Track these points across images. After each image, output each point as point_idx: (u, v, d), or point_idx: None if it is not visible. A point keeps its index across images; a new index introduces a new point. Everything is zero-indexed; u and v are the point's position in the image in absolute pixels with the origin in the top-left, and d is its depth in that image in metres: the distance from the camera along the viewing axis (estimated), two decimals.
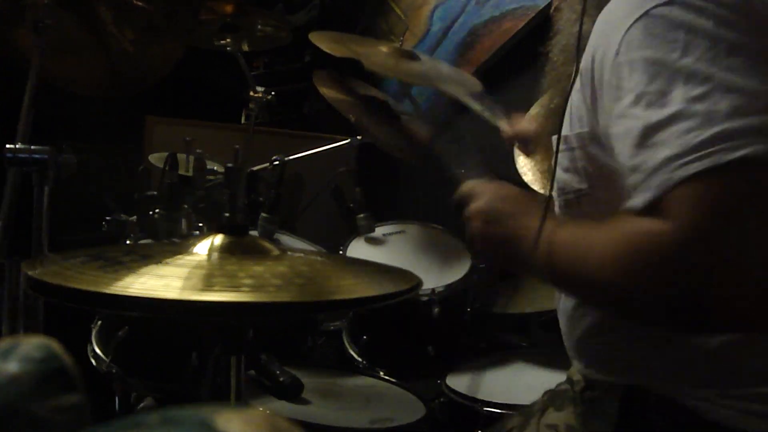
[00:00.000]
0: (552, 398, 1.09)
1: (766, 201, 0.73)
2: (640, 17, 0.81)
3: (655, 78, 0.78)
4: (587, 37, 0.90)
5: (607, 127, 0.84)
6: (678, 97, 0.76)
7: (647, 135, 0.77)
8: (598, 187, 0.92)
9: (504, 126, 1.81)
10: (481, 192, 1.00)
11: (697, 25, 0.78)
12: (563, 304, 1.03)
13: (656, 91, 0.77)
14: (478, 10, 2.68)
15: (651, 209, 0.76)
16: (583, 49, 0.91)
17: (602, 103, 0.85)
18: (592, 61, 0.87)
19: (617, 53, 0.82)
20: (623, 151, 0.80)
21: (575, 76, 0.90)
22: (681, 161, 0.74)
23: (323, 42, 1.97)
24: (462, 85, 2.14)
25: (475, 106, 1.89)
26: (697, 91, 0.75)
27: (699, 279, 0.72)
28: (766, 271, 0.72)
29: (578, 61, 0.91)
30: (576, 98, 0.92)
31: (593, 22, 0.91)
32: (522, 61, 2.49)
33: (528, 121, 1.80)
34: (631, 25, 0.81)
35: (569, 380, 1.06)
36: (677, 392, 0.90)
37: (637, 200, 0.77)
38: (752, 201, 0.73)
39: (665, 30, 0.79)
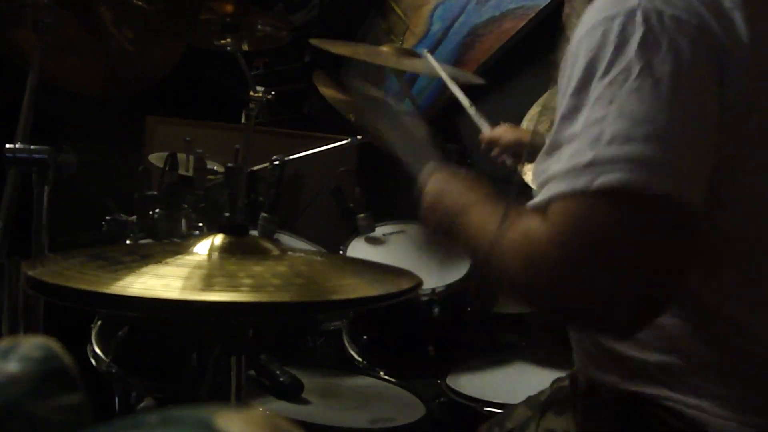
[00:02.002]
0: (552, 399, 1.09)
1: (622, 225, 0.78)
2: (590, 30, 0.84)
3: (577, 94, 0.83)
4: None
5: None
6: (582, 118, 0.82)
7: (553, 146, 0.84)
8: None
9: (486, 129, 1.83)
10: (431, 175, 1.09)
11: (624, 43, 0.81)
12: None
13: (572, 109, 0.83)
14: (478, 10, 2.68)
15: (542, 210, 0.84)
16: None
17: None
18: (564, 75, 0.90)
19: (565, 62, 0.87)
20: (540, 157, 0.88)
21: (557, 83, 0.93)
22: (563, 178, 0.81)
23: (323, 44, 1.97)
24: (463, 78, 2.15)
25: (466, 102, 1.90)
26: (598, 114, 0.80)
27: (559, 277, 0.80)
28: (606, 286, 0.78)
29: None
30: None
31: None
32: (522, 61, 2.49)
33: (509, 130, 1.82)
34: (582, 37, 0.85)
35: (572, 378, 1.06)
36: (679, 403, 0.89)
37: (535, 200, 0.86)
38: (608, 223, 0.78)
39: (599, 46, 0.82)
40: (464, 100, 1.91)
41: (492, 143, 1.83)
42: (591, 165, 0.78)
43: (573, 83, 0.84)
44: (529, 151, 1.66)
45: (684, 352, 0.89)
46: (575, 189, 0.79)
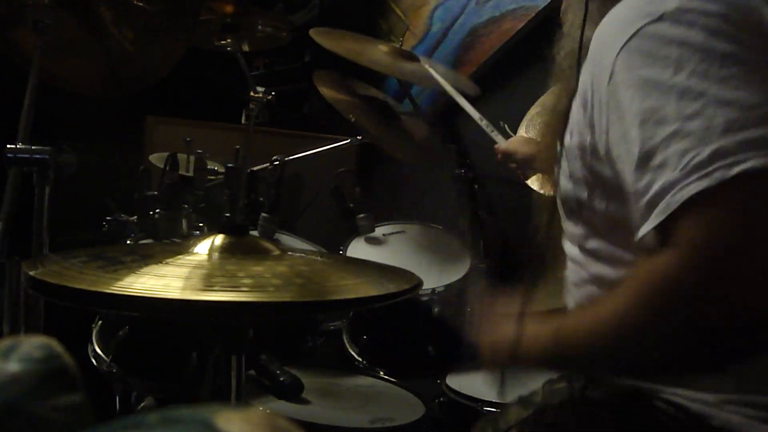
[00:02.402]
0: (551, 396, 1.09)
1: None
2: (632, 36, 0.80)
3: (650, 97, 0.77)
4: (588, 45, 0.91)
5: (605, 145, 0.85)
6: (672, 116, 0.75)
7: (646, 158, 0.76)
8: (597, 197, 0.92)
9: (500, 140, 1.83)
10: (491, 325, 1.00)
11: (687, 40, 0.78)
12: (571, 301, 1.03)
13: (651, 111, 0.77)
14: (477, 11, 2.68)
15: (658, 238, 0.74)
16: (585, 58, 0.91)
17: (601, 123, 0.85)
18: (591, 82, 0.87)
19: (612, 75, 0.82)
20: (627, 173, 0.79)
21: (576, 84, 0.91)
22: (681, 184, 0.72)
23: (323, 39, 1.97)
24: (459, 88, 2.14)
25: (474, 113, 1.91)
26: (691, 108, 0.74)
27: (717, 306, 0.70)
28: None
29: (578, 71, 0.91)
30: (575, 111, 0.92)
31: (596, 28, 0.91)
32: (522, 62, 2.49)
33: (524, 143, 1.82)
34: (623, 46, 0.81)
35: (569, 379, 1.06)
36: (681, 396, 0.89)
37: (643, 229, 0.76)
38: (759, 215, 0.71)
39: (657, 48, 0.79)
40: (474, 114, 1.91)
41: (507, 156, 1.83)
42: (712, 160, 0.71)
43: (632, 87, 0.79)
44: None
45: None
46: (702, 190, 0.71)
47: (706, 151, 0.72)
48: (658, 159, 0.74)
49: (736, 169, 0.70)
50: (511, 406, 1.16)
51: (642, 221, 0.76)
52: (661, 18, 0.79)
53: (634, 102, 0.78)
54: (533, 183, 1.84)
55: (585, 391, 1.00)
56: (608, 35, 0.85)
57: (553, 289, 1.12)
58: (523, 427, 1.08)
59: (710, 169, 0.71)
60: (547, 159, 1.15)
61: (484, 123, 1.88)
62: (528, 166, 1.80)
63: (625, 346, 0.79)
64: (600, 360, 0.84)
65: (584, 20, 0.93)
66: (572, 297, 1.03)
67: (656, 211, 0.74)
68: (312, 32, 2.00)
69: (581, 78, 0.91)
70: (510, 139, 1.87)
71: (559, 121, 0.99)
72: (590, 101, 0.87)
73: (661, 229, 0.74)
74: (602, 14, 0.90)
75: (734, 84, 0.75)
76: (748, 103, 0.74)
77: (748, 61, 0.77)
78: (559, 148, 0.95)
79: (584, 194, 0.93)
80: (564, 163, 0.95)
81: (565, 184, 0.97)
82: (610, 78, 0.82)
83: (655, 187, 0.74)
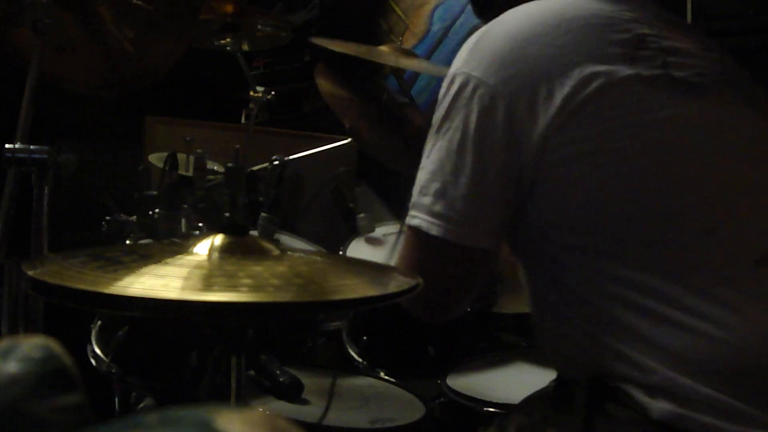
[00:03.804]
0: (541, 397, 1.11)
1: (420, 254, 1.07)
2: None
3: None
4: None
5: None
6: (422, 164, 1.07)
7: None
8: None
9: None
10: None
11: (442, 102, 1.04)
12: (530, 308, 1.09)
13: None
14: None
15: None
16: None
17: None
18: None
19: None
20: None
21: None
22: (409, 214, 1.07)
23: (324, 42, 1.97)
24: None
25: None
26: (421, 162, 1.06)
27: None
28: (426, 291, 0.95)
29: None
30: None
31: None
32: None
33: None
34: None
35: (555, 380, 1.08)
36: (627, 383, 0.93)
37: None
38: (416, 251, 1.08)
39: (439, 99, 1.06)
40: None
41: None
42: (410, 208, 1.06)
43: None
44: None
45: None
46: (406, 223, 1.08)
47: (412, 200, 1.06)
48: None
49: (411, 222, 1.06)
50: (515, 412, 1.17)
51: None
52: (448, 76, 1.07)
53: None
54: None
55: (558, 390, 1.03)
56: None
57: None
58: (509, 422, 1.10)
59: (411, 213, 1.06)
60: None
61: None
62: None
63: None
64: None
65: None
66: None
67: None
68: (314, 40, 2.00)
69: None
70: None
71: None
72: None
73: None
74: None
75: (441, 155, 1.03)
76: (432, 172, 1.03)
77: (464, 140, 1.00)
78: None
79: None
80: None
81: None
82: None
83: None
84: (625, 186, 0.95)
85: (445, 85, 1.03)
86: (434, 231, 1.02)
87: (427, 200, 1.02)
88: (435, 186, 1.01)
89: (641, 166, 0.95)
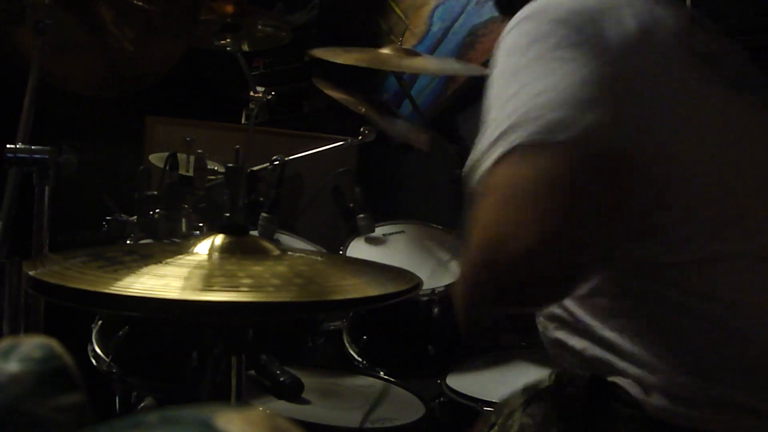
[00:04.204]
0: (535, 393, 1.11)
1: (535, 174, 0.82)
2: (505, 34, 0.93)
3: (494, 88, 0.90)
4: None
5: None
6: (491, 113, 0.88)
7: (477, 141, 0.89)
8: None
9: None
10: None
11: (513, 43, 0.91)
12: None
13: (488, 103, 0.89)
14: (478, 11, 2.68)
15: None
16: None
17: None
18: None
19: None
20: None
21: None
22: (486, 155, 0.85)
23: (323, 54, 1.98)
24: (470, 70, 2.14)
25: None
26: (504, 96, 0.87)
27: (496, 240, 0.82)
28: (547, 238, 0.80)
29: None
30: None
31: None
32: None
33: None
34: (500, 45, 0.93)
35: (550, 376, 1.09)
36: (626, 376, 0.93)
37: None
38: (523, 177, 0.82)
39: (501, 51, 0.92)
40: None
41: None
42: (502, 136, 0.84)
43: (493, 80, 0.92)
44: None
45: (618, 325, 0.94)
46: (496, 158, 0.83)
47: (498, 131, 0.84)
48: (480, 140, 0.87)
49: (507, 146, 0.82)
50: (504, 404, 1.17)
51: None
52: (523, 19, 0.91)
53: (489, 93, 0.91)
54: None
55: (560, 385, 1.03)
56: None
57: None
58: (508, 419, 1.10)
59: (497, 144, 0.84)
60: None
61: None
62: None
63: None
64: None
65: None
66: None
67: (476, 175, 0.87)
68: (314, 52, 2.00)
69: None
70: None
71: None
72: None
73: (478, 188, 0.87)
74: None
75: (535, 77, 0.86)
76: (542, 90, 0.85)
77: (558, 58, 0.87)
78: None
79: None
80: None
81: None
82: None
83: (475, 158, 0.87)
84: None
85: (524, 27, 0.90)
86: (565, 132, 0.80)
87: (533, 113, 0.83)
88: (540, 99, 0.83)
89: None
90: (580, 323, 0.98)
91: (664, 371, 0.90)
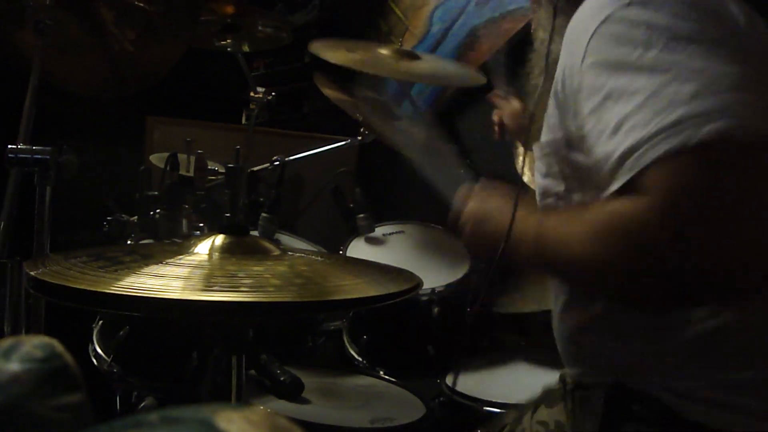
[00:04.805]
0: (544, 396, 1.10)
1: (735, 174, 0.76)
2: (603, 22, 0.84)
3: (621, 75, 0.81)
4: (558, 57, 0.95)
5: (579, 128, 0.87)
6: (644, 88, 0.79)
7: (618, 125, 0.80)
8: (574, 188, 0.96)
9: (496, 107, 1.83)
10: (470, 196, 1.06)
11: (654, 21, 0.82)
12: (553, 307, 1.05)
13: (623, 86, 0.81)
14: (477, 11, 2.68)
15: (627, 190, 0.79)
16: (554, 68, 0.94)
17: (572, 108, 0.88)
18: (563, 70, 0.91)
19: (583, 58, 0.85)
20: (597, 144, 0.83)
21: (541, 87, 0.93)
22: (651, 143, 0.77)
23: (322, 50, 1.98)
24: (465, 80, 2.14)
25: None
26: (661, 79, 0.79)
27: (675, 251, 0.75)
28: (739, 241, 0.75)
29: (547, 73, 0.96)
30: (550, 107, 0.96)
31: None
32: (521, 63, 2.49)
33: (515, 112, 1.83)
34: (594, 31, 0.85)
35: (562, 379, 1.07)
36: (656, 388, 0.92)
37: (614, 185, 0.80)
38: (721, 174, 0.75)
39: (626, 30, 0.83)
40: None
41: (497, 105, 1.84)
42: (680, 122, 0.76)
43: (604, 67, 0.83)
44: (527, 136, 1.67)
45: (663, 335, 0.91)
46: (670, 150, 0.75)
47: (674, 115, 0.76)
48: (629, 124, 0.79)
49: (702, 131, 0.75)
50: (511, 411, 1.17)
51: (612, 178, 0.80)
52: (629, 3, 0.84)
53: (606, 80, 0.82)
54: (532, 183, 1.85)
55: (575, 392, 1.02)
56: (580, 23, 0.89)
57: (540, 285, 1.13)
58: (516, 426, 1.09)
59: (678, 129, 0.75)
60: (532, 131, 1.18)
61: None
62: (511, 124, 1.81)
63: (583, 267, 0.85)
64: (565, 271, 0.93)
65: (552, 32, 0.96)
66: (554, 288, 1.06)
67: (627, 166, 0.78)
68: (312, 47, 2.00)
69: (556, 73, 0.94)
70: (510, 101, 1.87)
71: (533, 130, 1.03)
72: (562, 90, 0.91)
73: (630, 182, 0.78)
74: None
75: (700, 58, 0.79)
76: (714, 74, 0.78)
77: (710, 41, 0.81)
78: (534, 150, 0.99)
79: (561, 188, 0.97)
80: (538, 162, 0.99)
81: (541, 181, 1.01)
82: (582, 62, 0.85)
83: (624, 146, 0.78)
84: None
85: (633, 12, 0.83)
86: (757, 127, 0.75)
87: (719, 100, 0.76)
88: (719, 84, 0.77)
89: None
90: (622, 327, 0.95)
91: (703, 379, 0.89)
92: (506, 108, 1.83)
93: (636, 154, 0.77)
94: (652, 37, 0.81)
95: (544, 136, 0.98)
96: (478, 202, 1.05)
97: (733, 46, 0.82)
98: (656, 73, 0.79)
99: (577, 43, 0.87)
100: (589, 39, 0.85)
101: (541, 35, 1.09)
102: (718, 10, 0.85)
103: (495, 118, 1.85)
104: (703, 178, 0.75)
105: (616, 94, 0.81)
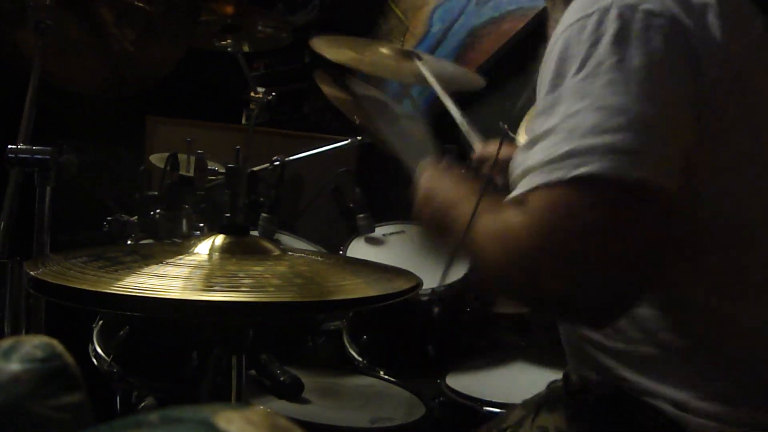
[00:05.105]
0: (546, 399, 1.10)
1: (595, 212, 0.80)
2: (566, 29, 0.86)
3: (552, 91, 0.85)
4: None
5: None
6: (559, 113, 0.83)
7: (532, 142, 0.86)
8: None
9: (477, 147, 1.82)
10: (424, 171, 1.10)
11: (598, 39, 0.83)
12: None
13: (549, 105, 0.85)
14: (477, 12, 2.68)
15: (520, 202, 0.85)
16: None
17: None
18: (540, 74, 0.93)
19: (544, 62, 0.89)
20: (518, 150, 0.89)
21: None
22: (541, 170, 0.83)
23: (324, 47, 1.98)
24: (465, 83, 2.14)
25: (458, 117, 1.90)
26: (574, 107, 0.82)
27: (534, 265, 0.82)
28: (583, 275, 0.80)
29: None
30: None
31: None
32: (521, 63, 2.49)
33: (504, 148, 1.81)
34: (560, 35, 0.87)
35: (565, 377, 1.07)
36: (658, 399, 0.91)
37: (513, 193, 0.87)
38: (585, 211, 0.80)
39: (573, 44, 0.85)
40: (456, 115, 1.90)
41: (482, 161, 1.82)
42: (568, 156, 0.80)
43: (548, 80, 0.86)
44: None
45: (663, 343, 0.91)
46: (551, 180, 0.81)
47: (565, 148, 0.81)
48: (537, 145, 0.85)
49: (579, 171, 0.80)
50: (514, 409, 1.16)
51: (513, 185, 0.88)
52: (590, 14, 0.85)
53: (544, 92, 0.86)
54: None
55: (578, 394, 1.02)
56: (558, 28, 0.90)
57: None
58: (522, 425, 1.09)
59: (562, 163, 0.81)
60: None
61: (465, 125, 1.87)
62: (502, 169, 1.78)
63: (482, 264, 0.94)
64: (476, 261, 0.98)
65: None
66: None
67: (524, 183, 0.85)
68: (313, 42, 2.00)
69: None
70: (486, 144, 1.86)
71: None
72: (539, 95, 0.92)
73: (522, 198, 0.86)
74: None
75: (613, 90, 0.81)
76: (617, 110, 0.80)
77: (641, 67, 0.81)
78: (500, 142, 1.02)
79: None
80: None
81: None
82: (543, 65, 0.89)
83: (526, 165, 0.85)
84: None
85: (590, 23, 0.84)
86: (630, 172, 0.78)
87: (607, 138, 0.79)
88: (616, 121, 0.79)
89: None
90: (626, 333, 0.95)
91: (708, 391, 0.88)
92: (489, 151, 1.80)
93: (531, 175, 0.84)
94: (587, 58, 0.83)
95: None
96: (428, 178, 1.09)
97: (671, 72, 0.83)
98: (573, 98, 0.82)
99: (551, 47, 0.89)
100: (554, 44, 0.87)
101: (552, 31, 1.08)
102: (683, 31, 0.84)
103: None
104: (571, 210, 0.81)
105: (544, 109, 0.86)
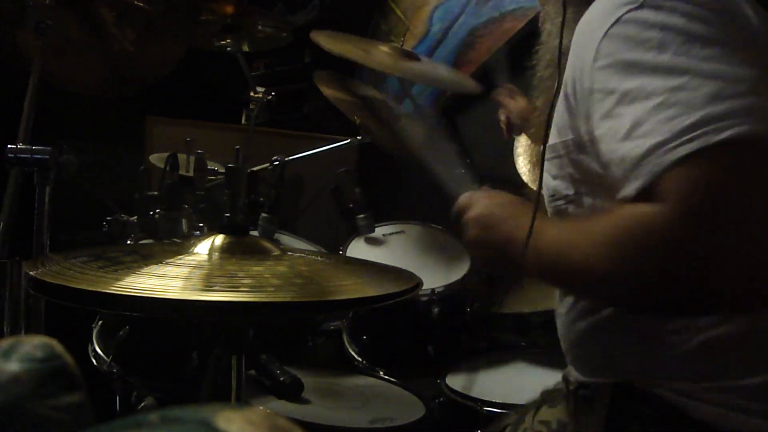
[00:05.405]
0: (547, 395, 1.10)
1: (756, 177, 0.74)
2: (614, 24, 0.83)
3: (636, 77, 0.80)
4: (568, 51, 0.92)
5: (590, 132, 0.86)
6: (659, 90, 0.78)
7: (633, 128, 0.78)
8: (584, 192, 0.94)
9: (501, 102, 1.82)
10: (476, 201, 1.03)
11: (668, 23, 0.80)
12: (559, 308, 1.05)
13: (637, 89, 0.79)
14: (477, 11, 2.68)
15: (643, 196, 0.77)
16: (565, 62, 0.93)
17: (583, 111, 0.87)
18: (573, 72, 0.89)
19: (594, 60, 0.84)
20: (610, 148, 0.81)
21: (558, 88, 0.92)
22: (668, 146, 0.75)
23: (323, 40, 1.97)
24: (460, 86, 2.14)
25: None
26: (677, 82, 0.77)
27: (696, 259, 0.73)
28: (760, 248, 0.73)
29: (560, 73, 0.93)
30: (560, 108, 0.94)
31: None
32: (521, 62, 2.49)
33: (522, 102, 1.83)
34: (605, 33, 0.83)
35: (565, 379, 1.07)
36: (663, 389, 0.91)
37: (628, 189, 0.78)
38: (743, 179, 0.74)
39: (638, 32, 0.82)
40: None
41: (502, 104, 1.83)
42: (699, 125, 0.74)
43: (616, 69, 0.82)
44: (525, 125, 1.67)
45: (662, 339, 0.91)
46: (689, 153, 0.74)
47: (692, 117, 0.75)
48: (644, 127, 0.77)
49: (722, 135, 0.73)
50: (514, 411, 1.17)
51: (626, 181, 0.79)
52: (641, 5, 0.82)
53: (619, 83, 0.81)
54: (532, 183, 1.85)
55: (578, 392, 1.02)
56: (590, 25, 0.87)
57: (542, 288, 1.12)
58: (518, 425, 1.09)
59: (698, 133, 0.74)
60: (537, 125, 1.17)
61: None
62: (518, 121, 1.80)
63: (591, 277, 0.83)
64: (566, 282, 0.91)
65: (562, 25, 0.95)
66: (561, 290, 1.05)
67: (643, 171, 0.76)
68: (313, 34, 2.00)
69: (565, 75, 0.92)
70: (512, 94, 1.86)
71: (540, 126, 1.01)
72: (573, 92, 0.89)
73: (645, 187, 0.77)
74: (579, 21, 0.92)
75: (716, 60, 0.78)
76: (732, 76, 0.77)
77: (726, 43, 0.80)
78: (541, 150, 0.97)
79: (570, 191, 0.95)
80: (548, 164, 0.97)
81: (550, 182, 0.99)
82: (593, 64, 0.84)
83: (640, 150, 0.77)
84: None
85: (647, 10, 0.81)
86: None
87: (736, 103, 0.75)
88: (736, 87, 0.76)
89: None
90: (631, 330, 0.95)
91: (712, 382, 0.88)
92: (512, 106, 1.83)
93: (652, 158, 0.76)
94: (666, 39, 0.79)
95: (553, 138, 0.96)
96: (484, 208, 1.02)
97: (747, 48, 0.81)
98: (671, 75, 0.78)
99: (587, 45, 0.86)
100: (600, 41, 0.84)
101: (548, 27, 1.07)
102: (732, 12, 0.84)
103: (501, 116, 1.85)
104: (723, 181, 0.74)
105: (629, 97, 0.80)
